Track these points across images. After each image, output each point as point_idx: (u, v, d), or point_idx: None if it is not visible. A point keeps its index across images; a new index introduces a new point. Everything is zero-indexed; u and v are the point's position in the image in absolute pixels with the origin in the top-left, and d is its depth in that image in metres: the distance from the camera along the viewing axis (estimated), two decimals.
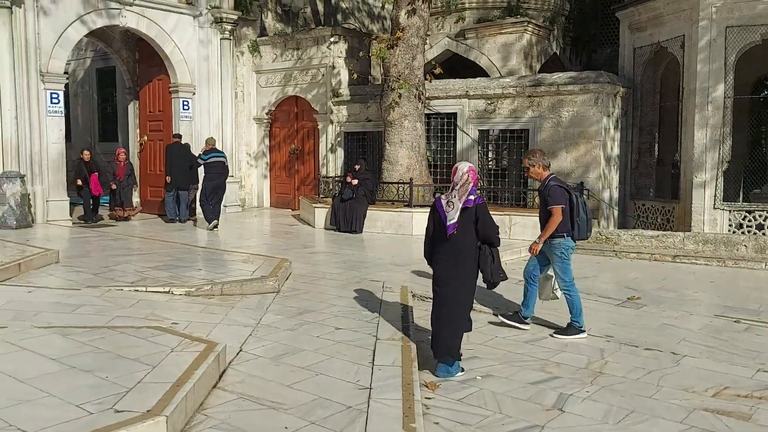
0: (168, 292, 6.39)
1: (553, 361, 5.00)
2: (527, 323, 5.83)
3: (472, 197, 4.59)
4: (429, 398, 4.26)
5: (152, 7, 13.37)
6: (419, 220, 11.47)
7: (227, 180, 14.27)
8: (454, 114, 13.29)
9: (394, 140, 12.34)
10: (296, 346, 5.03)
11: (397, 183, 12.07)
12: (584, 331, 5.65)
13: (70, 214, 12.52)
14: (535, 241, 5.75)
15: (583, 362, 5.02)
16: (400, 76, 12.12)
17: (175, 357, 4.16)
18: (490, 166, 13.36)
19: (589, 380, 4.63)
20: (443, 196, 4.69)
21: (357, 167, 12.20)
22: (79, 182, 12.39)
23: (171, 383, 3.66)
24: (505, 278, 4.83)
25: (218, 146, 14.11)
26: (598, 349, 5.31)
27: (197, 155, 12.30)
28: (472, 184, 4.59)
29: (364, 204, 11.77)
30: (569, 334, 5.63)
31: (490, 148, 13.32)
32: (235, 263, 7.93)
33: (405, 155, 12.29)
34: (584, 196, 6.00)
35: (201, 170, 12.11)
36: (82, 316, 5.41)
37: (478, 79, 13.31)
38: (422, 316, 6.14)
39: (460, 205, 4.55)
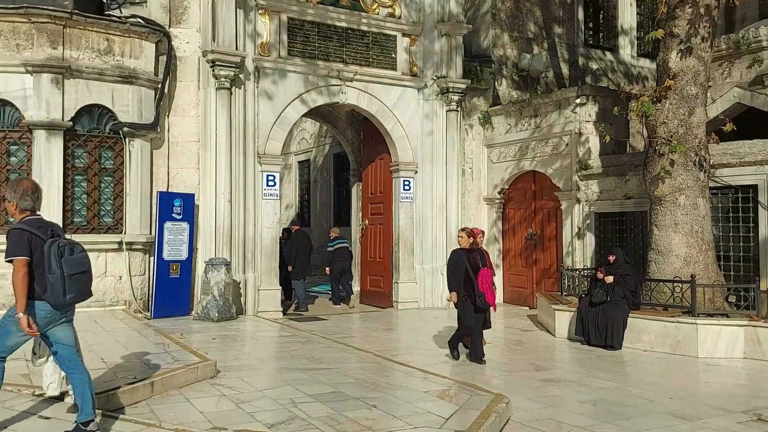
0: None
1: None
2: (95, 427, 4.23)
3: None
4: None
5: (374, 82, 12.32)
6: (708, 335, 7.98)
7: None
8: (753, 186, 9.59)
9: (664, 222, 9.14)
10: None
11: (672, 281, 8.72)
12: None
13: (282, 305, 11.51)
14: (14, 315, 4.16)
15: None
16: (671, 136, 9.07)
17: None
18: None
19: None
20: None
21: (611, 258, 9.11)
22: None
23: None
24: None
25: (442, 229, 12.68)
26: None
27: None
28: None
29: (624, 309, 8.62)
30: None
31: None
32: (427, 397, 5.53)
33: (681, 242, 8.98)
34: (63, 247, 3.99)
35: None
36: None
37: None
38: None
39: None
